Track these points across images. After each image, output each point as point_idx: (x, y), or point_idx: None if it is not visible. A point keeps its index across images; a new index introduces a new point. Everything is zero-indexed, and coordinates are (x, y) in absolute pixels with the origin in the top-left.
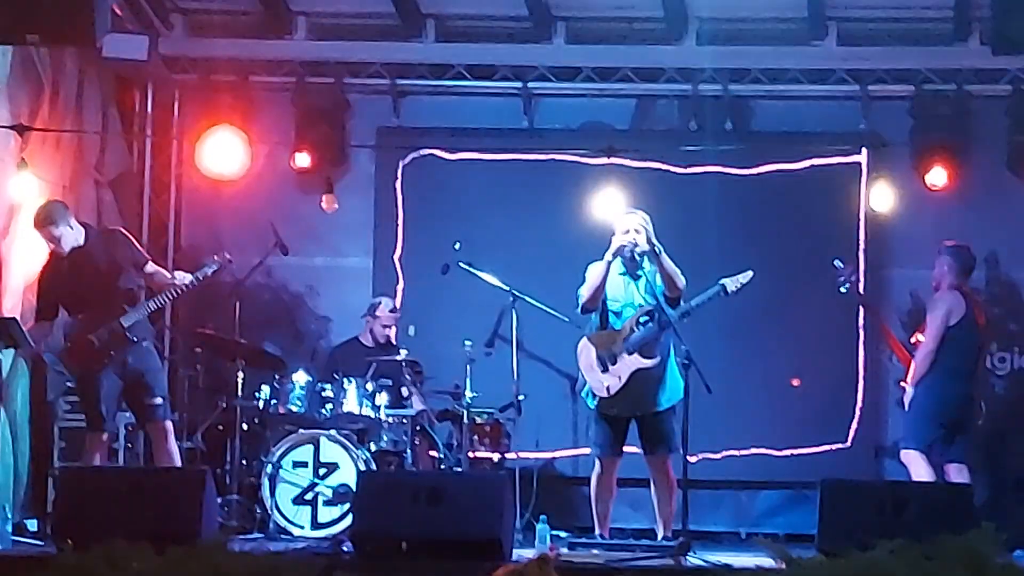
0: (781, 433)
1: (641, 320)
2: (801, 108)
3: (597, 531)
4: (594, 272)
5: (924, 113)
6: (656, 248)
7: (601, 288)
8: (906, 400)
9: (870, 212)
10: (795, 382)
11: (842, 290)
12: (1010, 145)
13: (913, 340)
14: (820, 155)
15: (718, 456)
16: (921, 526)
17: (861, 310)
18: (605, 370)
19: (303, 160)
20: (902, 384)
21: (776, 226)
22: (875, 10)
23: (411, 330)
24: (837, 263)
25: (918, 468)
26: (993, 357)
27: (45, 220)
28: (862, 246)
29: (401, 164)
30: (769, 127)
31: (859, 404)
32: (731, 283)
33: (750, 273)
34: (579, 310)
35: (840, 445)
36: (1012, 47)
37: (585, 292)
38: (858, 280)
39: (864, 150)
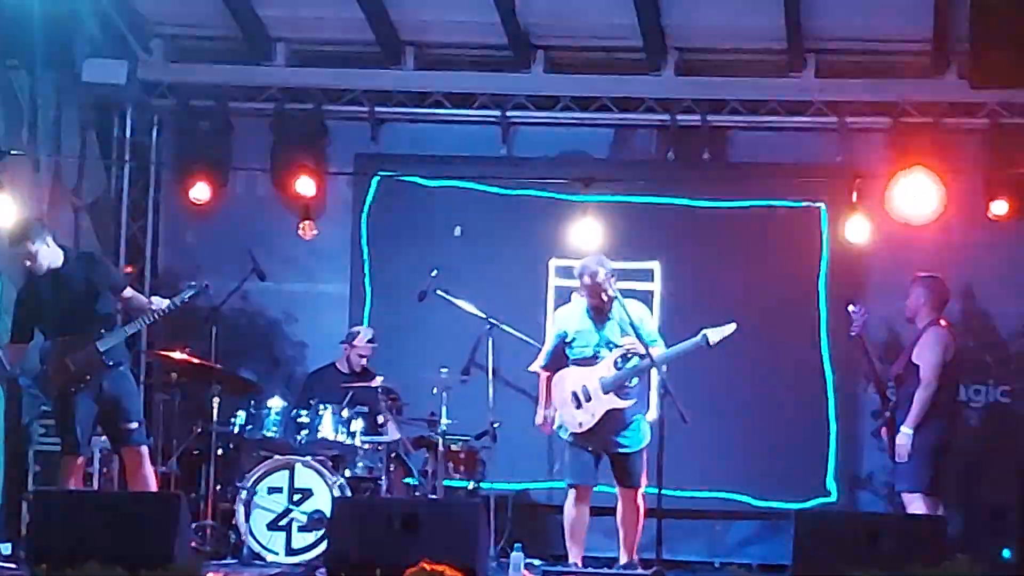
0: (754, 469)
1: (618, 361)
2: (779, 139)
3: (571, 559)
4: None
5: (901, 145)
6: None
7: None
8: (903, 443)
9: (846, 244)
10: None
11: (852, 334)
12: (986, 179)
13: (894, 375)
14: (788, 194)
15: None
16: (895, 558)
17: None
18: (579, 406)
19: (304, 187)
20: (893, 430)
21: (753, 258)
22: (853, 42)
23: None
24: (851, 307)
25: (921, 509)
26: (968, 390)
27: (21, 236)
28: (823, 288)
29: (379, 191)
30: (747, 158)
31: (833, 435)
32: (714, 334)
33: (734, 326)
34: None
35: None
36: (990, 81)
37: (539, 364)
38: (867, 324)
39: (823, 202)
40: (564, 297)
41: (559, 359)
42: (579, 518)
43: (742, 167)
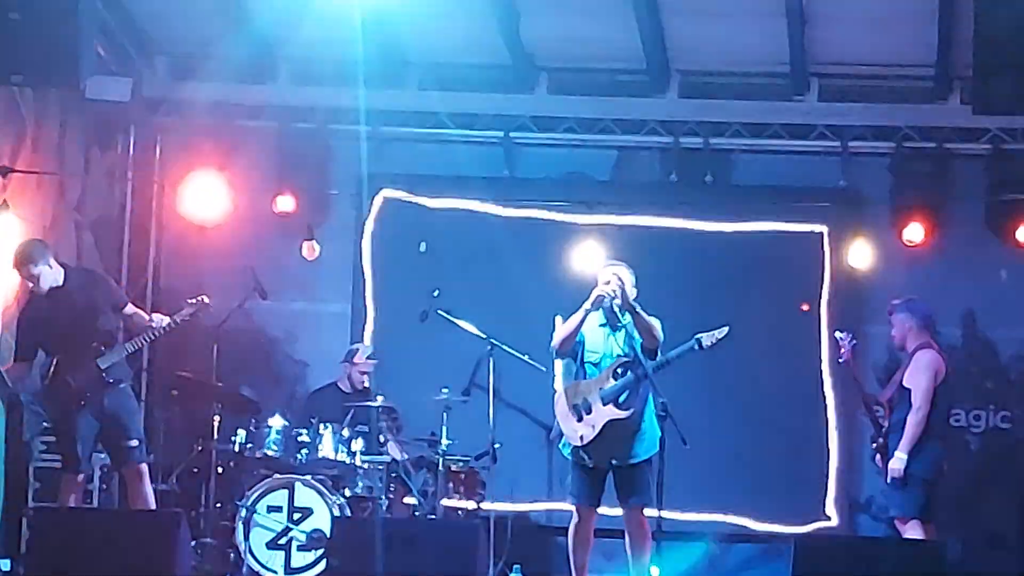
0: (754, 493)
1: (618, 371)
2: (781, 163)
3: None
4: (570, 319)
5: (904, 170)
6: (632, 302)
7: (573, 335)
8: (897, 467)
9: (847, 269)
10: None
11: (840, 361)
12: (988, 204)
13: (886, 399)
14: (789, 219)
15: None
16: None
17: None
18: (580, 419)
19: (285, 204)
20: (886, 455)
21: (753, 281)
22: (857, 67)
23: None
24: (838, 334)
25: (917, 535)
26: (968, 415)
27: (24, 259)
28: (824, 313)
29: (382, 211)
30: (749, 181)
31: (832, 459)
32: (707, 338)
33: (726, 329)
34: (553, 355)
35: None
36: (992, 106)
37: (557, 335)
38: (855, 351)
39: (825, 226)
40: None
41: (574, 348)
42: (583, 540)
43: (745, 190)
